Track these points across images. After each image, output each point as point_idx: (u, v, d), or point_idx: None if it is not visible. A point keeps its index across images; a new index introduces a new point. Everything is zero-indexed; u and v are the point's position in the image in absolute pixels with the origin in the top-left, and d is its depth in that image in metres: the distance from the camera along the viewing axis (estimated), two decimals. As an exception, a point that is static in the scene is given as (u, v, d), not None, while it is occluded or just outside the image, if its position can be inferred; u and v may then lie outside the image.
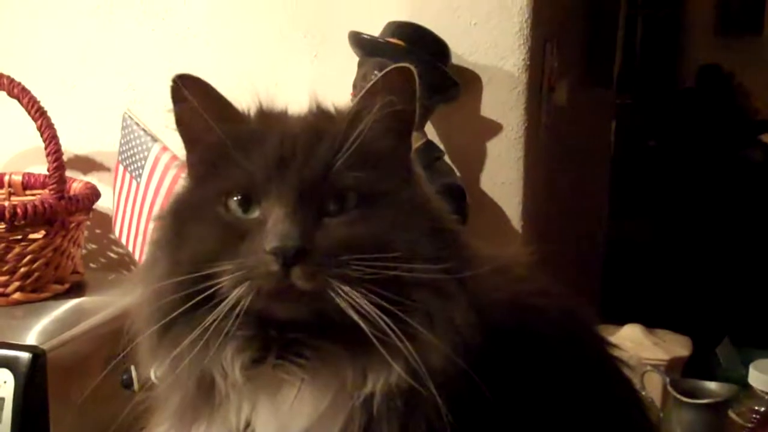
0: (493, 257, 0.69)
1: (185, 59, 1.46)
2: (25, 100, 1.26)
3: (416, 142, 0.65)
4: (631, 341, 1.27)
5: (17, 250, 1.22)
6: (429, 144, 1.28)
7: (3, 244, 1.21)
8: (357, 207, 0.61)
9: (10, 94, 1.27)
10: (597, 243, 2.28)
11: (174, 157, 1.19)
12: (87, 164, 1.55)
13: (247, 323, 0.59)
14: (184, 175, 0.69)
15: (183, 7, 1.47)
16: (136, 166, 1.27)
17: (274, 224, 0.58)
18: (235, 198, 0.61)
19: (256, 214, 0.61)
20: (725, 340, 1.46)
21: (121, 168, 1.31)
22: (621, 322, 1.35)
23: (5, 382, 1.03)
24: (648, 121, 3.86)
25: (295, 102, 0.68)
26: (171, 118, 0.66)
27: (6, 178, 1.45)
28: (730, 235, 3.02)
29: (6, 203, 1.26)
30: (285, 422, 0.60)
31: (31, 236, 1.23)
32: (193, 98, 0.63)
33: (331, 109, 0.66)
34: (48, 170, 1.26)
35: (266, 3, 1.43)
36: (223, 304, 0.58)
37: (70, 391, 1.09)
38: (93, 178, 1.50)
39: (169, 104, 0.65)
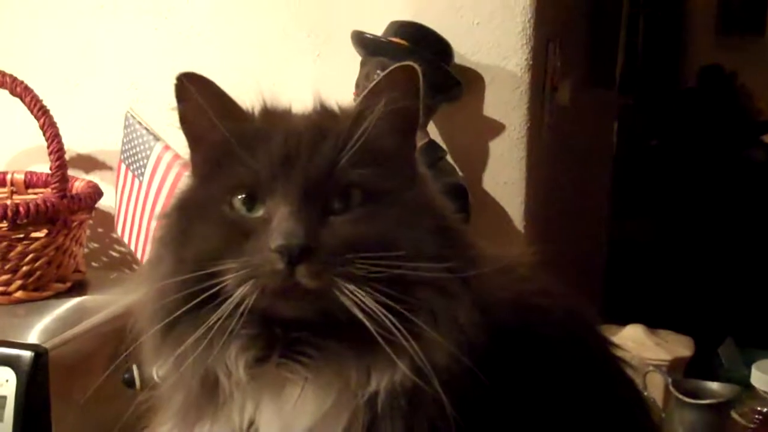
0: (496, 257, 0.69)
1: (188, 58, 1.46)
2: (28, 99, 1.26)
3: (419, 142, 0.65)
4: (634, 341, 1.27)
5: (19, 248, 1.22)
6: (432, 144, 1.28)
7: (5, 243, 1.21)
8: (362, 205, 0.61)
9: (13, 93, 1.27)
10: (599, 243, 2.28)
11: (176, 156, 1.19)
12: (89, 163, 1.56)
13: (251, 322, 0.59)
14: (187, 173, 0.69)
15: (186, 5, 1.47)
16: (138, 164, 1.27)
17: (279, 222, 0.58)
18: (239, 196, 0.61)
19: (260, 212, 0.61)
20: (727, 341, 1.46)
21: (123, 167, 1.31)
22: (623, 322, 1.35)
23: (7, 380, 1.03)
24: (650, 121, 3.86)
25: (298, 101, 0.68)
26: (175, 117, 0.66)
27: (8, 177, 1.45)
28: (732, 235, 3.02)
29: (8, 202, 1.26)
30: (288, 421, 0.60)
31: (33, 235, 1.23)
32: (197, 96, 0.63)
33: (335, 107, 0.66)
34: (50, 169, 1.26)
35: (269, 2, 1.43)
36: (227, 302, 0.58)
37: (72, 389, 1.09)
38: (95, 177, 1.50)
39: (172, 103, 0.65)
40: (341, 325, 0.59)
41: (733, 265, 2.78)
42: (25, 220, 1.20)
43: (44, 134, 1.26)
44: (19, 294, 1.23)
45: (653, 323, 1.36)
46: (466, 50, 1.32)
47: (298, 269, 0.57)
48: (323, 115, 0.66)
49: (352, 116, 0.63)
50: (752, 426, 1.06)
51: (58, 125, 1.28)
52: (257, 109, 0.66)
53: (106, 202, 1.40)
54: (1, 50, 1.56)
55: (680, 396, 1.07)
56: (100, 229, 1.55)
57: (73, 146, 1.49)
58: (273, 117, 0.66)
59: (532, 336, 0.67)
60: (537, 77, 1.35)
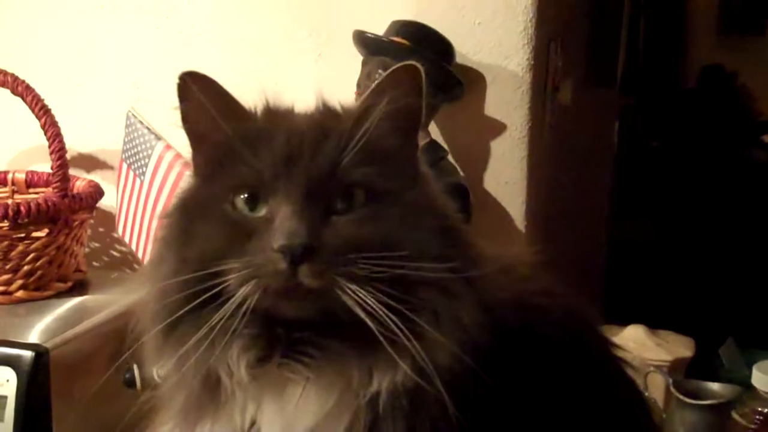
0: (497, 257, 0.69)
1: (189, 58, 1.46)
2: (29, 98, 1.26)
3: (420, 142, 0.65)
4: (634, 342, 1.27)
5: (20, 248, 1.22)
6: (433, 143, 1.28)
7: (6, 242, 1.21)
8: (364, 205, 0.61)
9: (14, 92, 1.27)
10: (600, 243, 2.28)
11: (177, 156, 1.19)
12: (90, 162, 1.55)
13: (253, 322, 0.59)
14: (189, 172, 0.69)
15: (187, 5, 1.47)
16: (139, 164, 1.27)
17: (281, 222, 0.58)
18: (242, 196, 0.61)
19: (263, 212, 0.61)
20: (728, 341, 1.45)
21: (124, 166, 1.31)
22: (624, 322, 1.35)
23: (8, 380, 1.03)
24: (651, 121, 3.86)
25: (299, 100, 0.68)
26: (176, 116, 0.66)
27: (9, 176, 1.45)
28: (733, 235, 3.02)
29: (9, 201, 1.26)
30: (290, 421, 0.60)
31: (34, 234, 1.23)
32: (200, 95, 0.63)
33: (338, 107, 0.66)
34: (51, 168, 1.26)
35: (270, 2, 1.43)
36: (229, 302, 0.58)
37: (73, 389, 1.09)
38: (96, 177, 1.49)
39: (173, 102, 0.65)
40: (343, 325, 0.59)
41: (734, 266, 2.78)
42: (26, 220, 1.20)
43: (45, 134, 1.26)
44: (20, 293, 1.23)
45: (654, 324, 1.36)
46: (467, 50, 1.32)
47: (301, 269, 0.57)
48: (326, 114, 0.66)
49: (355, 116, 0.63)
50: (753, 426, 1.06)
51: (59, 125, 1.28)
52: (260, 109, 0.66)
53: (107, 202, 1.40)
54: (2, 50, 1.56)
55: (681, 396, 1.07)
56: (101, 229, 1.55)
57: (74, 146, 1.49)
58: (275, 116, 0.66)
59: (532, 336, 0.67)
60: (538, 77, 1.35)
